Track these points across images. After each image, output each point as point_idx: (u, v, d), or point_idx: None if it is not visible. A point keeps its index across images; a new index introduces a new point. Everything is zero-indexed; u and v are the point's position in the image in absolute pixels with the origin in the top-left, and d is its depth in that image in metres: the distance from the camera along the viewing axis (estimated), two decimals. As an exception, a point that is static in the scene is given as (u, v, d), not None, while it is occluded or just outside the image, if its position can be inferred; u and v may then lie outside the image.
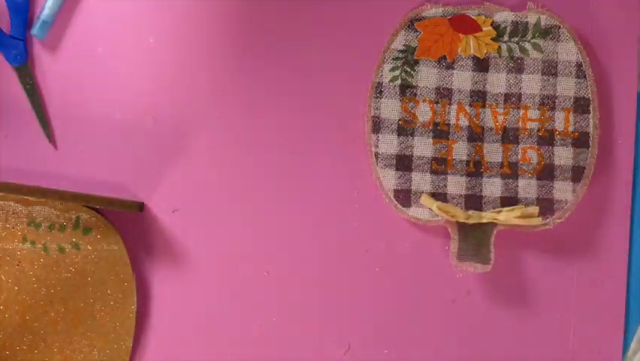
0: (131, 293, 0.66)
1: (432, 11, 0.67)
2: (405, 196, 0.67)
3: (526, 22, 0.67)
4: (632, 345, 0.69)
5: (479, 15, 0.67)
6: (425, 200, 0.66)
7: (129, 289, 0.66)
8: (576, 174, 0.67)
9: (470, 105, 0.67)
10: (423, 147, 0.67)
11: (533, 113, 0.67)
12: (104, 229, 0.66)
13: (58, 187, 0.65)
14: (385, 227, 0.68)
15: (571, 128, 0.67)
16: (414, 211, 0.67)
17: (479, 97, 0.67)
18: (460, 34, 0.67)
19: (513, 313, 0.69)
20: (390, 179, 0.67)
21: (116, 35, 0.67)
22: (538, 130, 0.67)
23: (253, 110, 0.68)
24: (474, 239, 0.66)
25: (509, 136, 0.67)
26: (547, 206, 0.66)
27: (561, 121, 0.67)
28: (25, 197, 0.64)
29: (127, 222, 0.67)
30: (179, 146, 0.68)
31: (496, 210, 0.66)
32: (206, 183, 0.68)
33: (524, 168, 0.67)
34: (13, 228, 0.65)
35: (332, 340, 0.68)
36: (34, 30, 0.66)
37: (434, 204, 0.65)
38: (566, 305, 0.69)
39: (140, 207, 0.66)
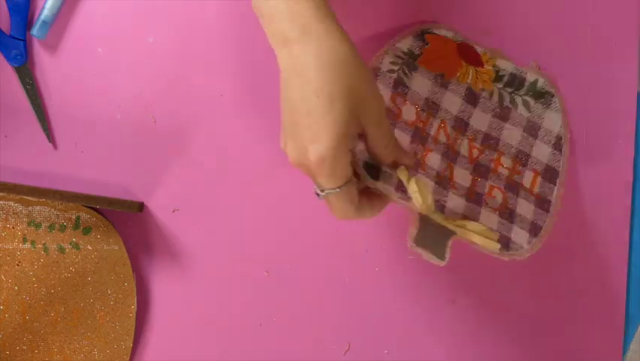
0: (131, 293, 0.66)
1: (444, 32, 0.67)
2: (375, 170, 0.63)
3: (524, 78, 0.68)
4: (632, 345, 0.69)
5: (485, 53, 0.67)
6: (401, 173, 0.62)
7: (129, 289, 0.66)
8: (534, 229, 0.66)
9: (452, 128, 0.67)
10: (401, 140, 0.64)
11: (506, 161, 0.67)
12: (104, 229, 0.66)
13: (58, 187, 0.65)
14: (385, 227, 0.68)
15: (536, 190, 0.66)
16: (381, 186, 0.63)
17: (461, 125, 0.67)
18: (463, 62, 0.67)
19: (513, 313, 0.69)
20: (364, 152, 0.62)
21: (116, 35, 0.67)
22: (507, 177, 0.67)
23: (253, 110, 0.68)
24: (432, 233, 0.63)
25: (480, 170, 0.66)
26: (504, 242, 0.65)
27: (529, 179, 0.67)
28: (25, 197, 0.64)
29: (127, 222, 0.67)
30: (179, 146, 0.68)
31: (462, 221, 0.64)
32: (206, 183, 0.68)
33: (488, 202, 0.66)
34: (13, 228, 0.65)
35: (332, 340, 0.68)
36: (34, 30, 0.66)
37: (412, 179, 0.62)
38: (567, 305, 0.69)
39: (140, 207, 0.66)
